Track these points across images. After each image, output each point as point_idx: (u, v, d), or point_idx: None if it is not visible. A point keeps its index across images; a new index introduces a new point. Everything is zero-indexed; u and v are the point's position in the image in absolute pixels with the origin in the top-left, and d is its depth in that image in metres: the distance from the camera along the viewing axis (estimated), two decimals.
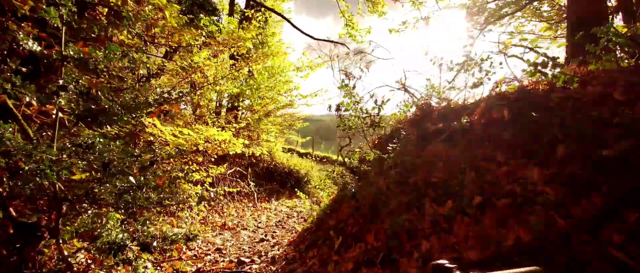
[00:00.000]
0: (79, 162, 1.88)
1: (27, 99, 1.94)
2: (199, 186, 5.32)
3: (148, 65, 6.42)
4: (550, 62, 2.65)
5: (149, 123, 3.65)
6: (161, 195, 2.49)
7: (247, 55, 7.22)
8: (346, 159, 4.38)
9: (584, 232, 2.02)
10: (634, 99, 2.50)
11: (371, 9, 12.61)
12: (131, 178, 1.92)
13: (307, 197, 8.13)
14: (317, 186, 11.23)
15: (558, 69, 2.74)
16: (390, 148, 3.65)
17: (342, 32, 12.55)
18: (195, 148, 5.15)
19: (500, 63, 3.28)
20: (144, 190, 2.05)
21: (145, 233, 2.32)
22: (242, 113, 10.43)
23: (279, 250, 5.22)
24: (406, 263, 2.91)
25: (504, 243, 2.35)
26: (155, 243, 2.18)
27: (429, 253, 2.83)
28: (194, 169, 5.23)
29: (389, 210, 3.59)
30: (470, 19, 7.69)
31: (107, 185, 2.02)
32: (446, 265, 0.72)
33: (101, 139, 1.76)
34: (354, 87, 3.89)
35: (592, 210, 2.05)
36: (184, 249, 4.63)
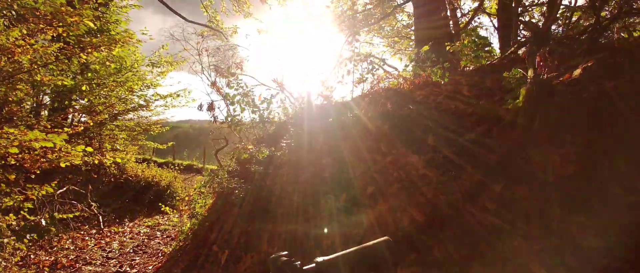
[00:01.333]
0: None
1: None
2: (11, 215, 3.72)
3: None
4: (428, 62, 3.01)
5: None
6: None
7: (84, 39, 5.68)
8: (232, 162, 3.89)
9: (464, 204, 2.32)
10: (477, 94, 3.11)
11: (236, 9, 12.15)
12: None
13: (173, 212, 7.03)
14: (185, 198, 9.95)
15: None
16: (284, 145, 3.43)
17: (204, 30, 11.61)
18: (2, 161, 3.62)
19: (380, 62, 3.57)
20: None
21: None
22: (78, 116, 8.22)
23: None
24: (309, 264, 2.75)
25: (401, 225, 2.49)
26: None
27: (332, 249, 2.75)
28: (2, 190, 3.64)
29: (283, 211, 3.37)
30: (338, 25, 8.27)
31: None
32: (282, 256, 0.66)
33: None
34: (235, 76, 3.47)
35: (466, 186, 2.38)
36: None
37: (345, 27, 6.87)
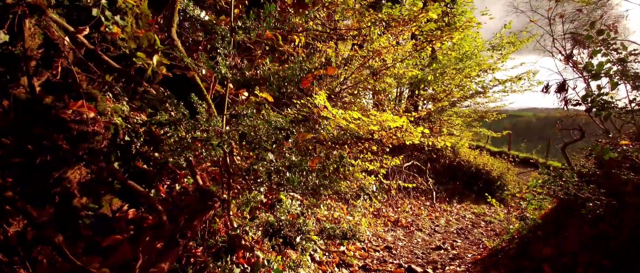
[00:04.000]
0: (236, 135, 1.74)
1: (203, 71, 1.97)
2: (372, 176, 4.98)
3: (331, 57, 6.61)
4: None
5: (321, 105, 3.53)
6: (325, 181, 2.17)
7: (431, 33, 6.33)
8: (588, 162, 2.81)
9: None
10: None
11: None
12: (270, 155, 1.65)
13: (500, 206, 6.47)
14: (517, 194, 8.97)
15: None
16: None
17: None
18: (369, 135, 4.82)
19: None
20: (295, 173, 1.74)
21: (301, 222, 2.03)
22: (423, 103, 9.54)
23: (460, 267, 4.19)
24: None
25: None
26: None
27: None
28: (368, 158, 4.92)
29: None
30: None
31: (263, 162, 1.82)
32: None
33: (249, 111, 1.58)
34: (606, 36, 2.30)
35: None
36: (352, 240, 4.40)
37: None
